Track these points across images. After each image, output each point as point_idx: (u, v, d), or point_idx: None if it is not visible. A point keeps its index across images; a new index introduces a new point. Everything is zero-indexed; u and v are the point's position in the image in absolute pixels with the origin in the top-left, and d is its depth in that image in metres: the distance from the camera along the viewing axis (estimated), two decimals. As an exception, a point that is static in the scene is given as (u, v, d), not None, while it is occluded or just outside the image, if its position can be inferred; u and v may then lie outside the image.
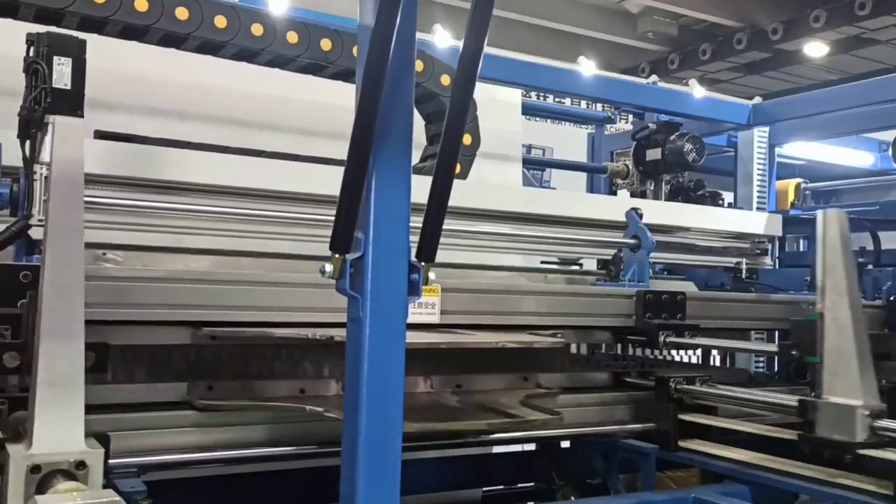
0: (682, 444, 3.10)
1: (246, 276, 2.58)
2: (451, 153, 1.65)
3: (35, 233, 2.36)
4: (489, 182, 4.00)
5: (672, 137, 4.41)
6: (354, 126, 1.51)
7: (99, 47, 3.21)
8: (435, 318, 2.82)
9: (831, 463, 2.65)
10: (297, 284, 2.53)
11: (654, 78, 13.66)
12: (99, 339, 2.26)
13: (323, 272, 1.60)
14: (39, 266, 2.17)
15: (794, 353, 2.85)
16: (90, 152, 2.58)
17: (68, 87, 2.35)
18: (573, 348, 3.25)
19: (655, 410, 3.19)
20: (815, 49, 16.44)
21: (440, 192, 1.67)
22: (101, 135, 2.82)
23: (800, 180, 5.25)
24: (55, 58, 2.34)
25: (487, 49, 1.65)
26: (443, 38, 10.78)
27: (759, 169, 4.69)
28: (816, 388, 2.71)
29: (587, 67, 11.99)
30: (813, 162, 5.56)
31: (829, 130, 4.73)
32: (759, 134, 4.60)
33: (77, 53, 2.38)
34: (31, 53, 2.37)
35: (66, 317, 1.52)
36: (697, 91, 12.70)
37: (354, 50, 2.77)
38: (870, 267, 4.00)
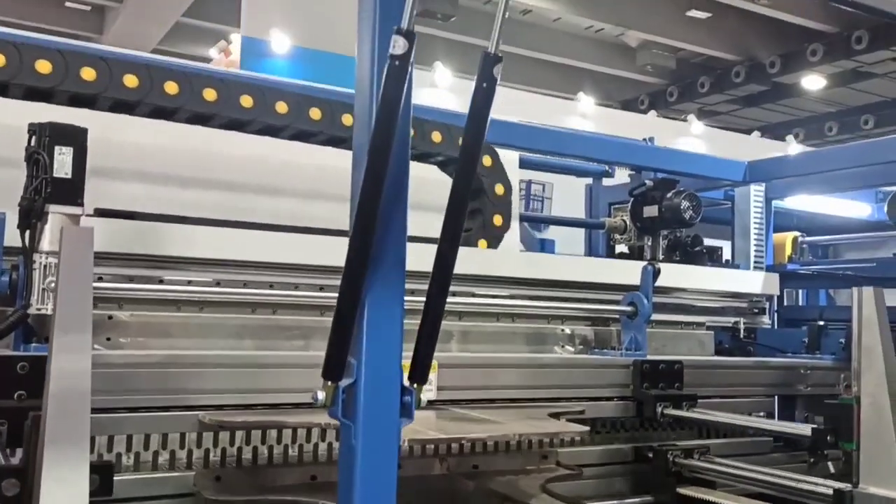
0: (681, 517, 3.08)
1: (250, 358, 2.59)
2: (445, 277, 1.66)
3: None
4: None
5: (669, 195, 4.42)
6: (348, 253, 1.52)
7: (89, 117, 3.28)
8: (432, 394, 2.83)
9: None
10: (304, 365, 2.50)
11: (652, 113, 13.74)
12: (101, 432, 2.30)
13: (315, 400, 1.61)
14: (38, 357, 2.19)
15: (829, 438, 2.73)
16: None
17: (69, 176, 2.38)
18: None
19: (654, 483, 3.18)
20: (813, 82, 16.60)
21: (433, 313, 1.68)
22: (100, 212, 2.84)
23: (797, 234, 5.27)
24: (56, 147, 2.37)
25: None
26: (443, 76, 10.92)
27: (755, 223, 4.70)
28: (853, 477, 2.58)
29: (586, 104, 12.09)
30: (810, 214, 5.58)
31: (825, 186, 4.75)
32: (756, 189, 4.62)
33: (79, 142, 2.41)
34: (33, 143, 2.40)
35: (70, 446, 1.50)
36: (695, 127, 12.78)
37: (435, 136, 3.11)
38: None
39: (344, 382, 1.61)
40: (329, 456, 2.61)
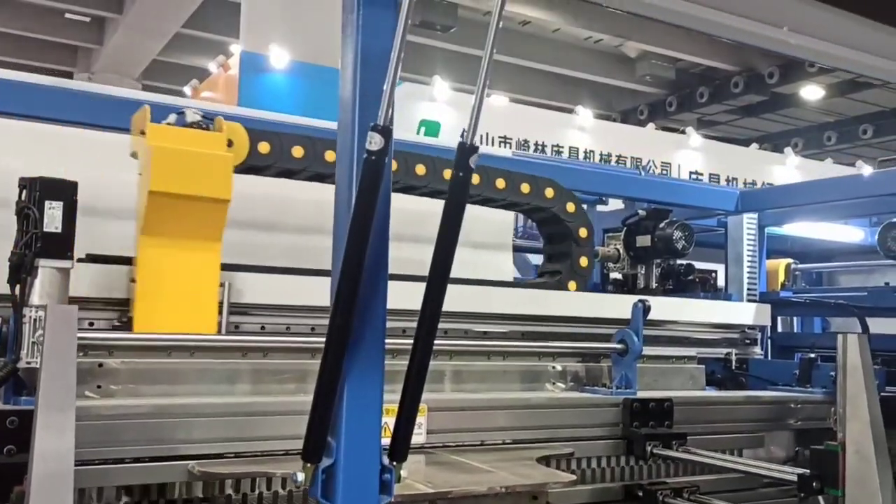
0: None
1: (237, 406, 2.60)
2: (423, 359, 1.68)
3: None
4: (481, 271, 4.04)
5: (661, 225, 4.44)
6: (327, 336, 1.54)
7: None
8: (422, 438, 2.85)
9: None
10: (293, 412, 2.52)
11: (650, 126, 13.74)
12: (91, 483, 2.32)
13: (295, 481, 1.63)
14: (27, 411, 2.21)
15: (814, 484, 2.73)
16: (80, 276, 2.65)
17: (59, 231, 2.41)
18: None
19: (643, 524, 3.20)
20: (811, 92, 16.60)
21: (412, 391, 1.70)
22: (91, 258, 2.86)
23: (790, 261, 5.29)
24: (47, 202, 2.40)
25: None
26: (441, 89, 10.94)
27: (749, 250, 4.72)
28: None
29: (584, 117, 12.10)
30: (803, 239, 5.59)
31: (818, 216, 4.77)
32: (749, 217, 4.64)
33: (68, 196, 2.43)
34: (23, 198, 2.42)
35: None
36: (694, 140, 12.79)
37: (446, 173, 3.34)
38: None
39: (323, 464, 1.63)
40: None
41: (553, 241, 4.02)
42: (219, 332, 2.90)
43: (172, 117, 2.80)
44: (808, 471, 2.86)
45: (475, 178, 3.45)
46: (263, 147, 3.12)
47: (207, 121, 2.86)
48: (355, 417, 1.61)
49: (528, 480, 2.52)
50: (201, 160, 2.73)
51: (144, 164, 2.72)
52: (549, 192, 3.77)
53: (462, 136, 1.61)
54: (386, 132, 1.50)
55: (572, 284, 3.80)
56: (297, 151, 3.21)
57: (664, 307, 3.97)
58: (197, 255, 2.76)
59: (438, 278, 1.65)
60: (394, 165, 3.32)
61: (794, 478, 2.86)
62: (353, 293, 1.52)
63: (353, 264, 1.51)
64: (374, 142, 1.49)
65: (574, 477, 2.64)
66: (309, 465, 1.62)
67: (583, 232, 3.83)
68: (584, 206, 4.03)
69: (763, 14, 3.23)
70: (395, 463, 1.69)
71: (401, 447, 1.70)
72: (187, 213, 2.70)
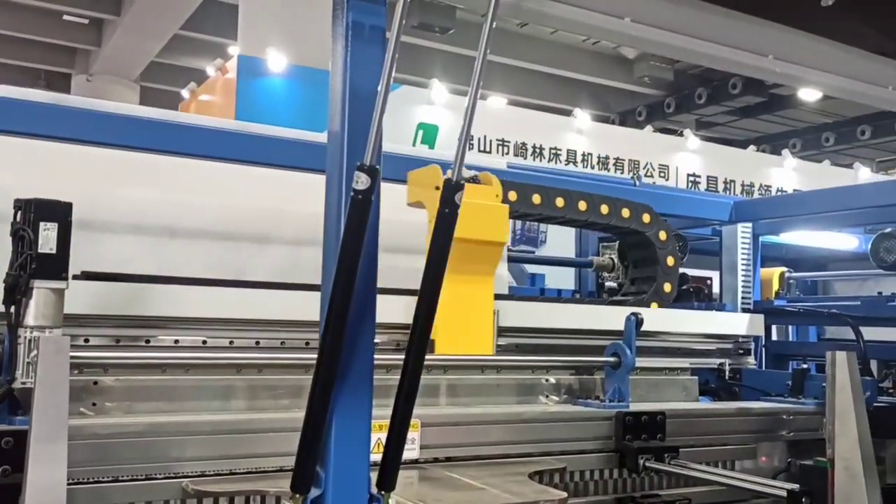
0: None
1: (231, 424, 2.62)
2: (412, 387, 1.70)
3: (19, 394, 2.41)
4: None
5: (656, 235, 4.45)
6: (316, 368, 1.56)
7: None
8: (415, 454, 2.87)
9: None
10: (287, 429, 2.53)
11: (648, 128, 13.74)
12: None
13: (284, 512, 1.65)
14: (22, 431, 2.23)
15: (804, 500, 2.75)
16: (75, 293, 2.67)
17: (53, 252, 2.42)
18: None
19: (638, 536, 3.22)
20: (809, 93, 16.59)
21: (401, 420, 1.72)
22: (87, 275, 2.88)
23: (784, 269, 5.31)
24: (41, 223, 2.41)
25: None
26: (439, 93, 10.96)
27: (743, 260, 4.74)
28: None
29: (582, 120, 12.11)
30: (798, 247, 5.61)
31: (812, 225, 4.79)
32: (743, 227, 4.66)
33: (63, 218, 2.45)
34: (18, 219, 2.44)
35: None
36: (691, 142, 12.79)
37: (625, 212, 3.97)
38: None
39: (312, 494, 1.65)
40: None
41: (637, 265, 4.32)
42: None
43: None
44: (797, 486, 2.89)
45: (582, 205, 3.91)
46: (511, 195, 3.71)
47: (475, 174, 3.57)
48: (343, 449, 1.63)
49: (520, 499, 2.54)
50: (488, 211, 3.40)
51: None
52: (626, 212, 4.10)
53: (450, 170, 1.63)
54: (372, 172, 1.52)
55: (654, 305, 4.06)
56: (536, 199, 3.84)
57: (658, 318, 3.99)
58: (480, 287, 3.39)
59: (425, 310, 1.67)
60: (560, 201, 3.74)
61: (784, 493, 2.88)
62: (340, 331, 1.54)
63: (341, 303, 1.53)
64: (361, 181, 1.51)
65: (565, 494, 2.67)
66: (298, 496, 1.64)
67: (670, 260, 4.14)
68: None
69: (748, 44, 3.27)
70: (383, 492, 1.71)
71: (389, 476, 1.72)
72: (475, 253, 3.30)
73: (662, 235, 4.08)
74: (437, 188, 3.08)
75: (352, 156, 1.58)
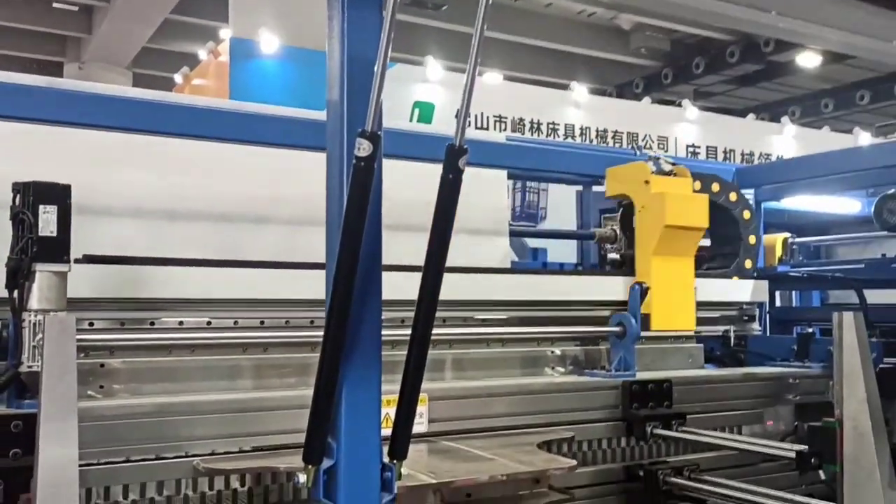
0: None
1: (239, 402, 2.62)
2: (420, 356, 1.69)
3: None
4: (477, 258, 4.04)
5: (658, 204, 4.43)
6: (324, 339, 1.55)
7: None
8: (423, 427, 2.87)
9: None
10: (295, 406, 2.53)
11: (646, 99, 13.66)
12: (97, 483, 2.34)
13: (297, 482, 1.65)
14: (31, 414, 2.23)
15: (812, 461, 2.79)
16: (78, 277, 2.66)
17: (54, 234, 2.41)
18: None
19: (646, 502, 3.23)
20: (808, 59, 16.50)
21: (410, 389, 1.71)
22: (88, 258, 2.87)
23: (787, 235, 5.29)
24: (41, 206, 2.40)
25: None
26: (434, 70, 10.88)
27: (746, 226, 4.70)
28: (838, 499, 2.67)
29: (579, 93, 12.04)
30: (800, 212, 5.59)
31: (814, 190, 4.76)
32: (745, 193, 4.63)
33: (62, 200, 2.43)
34: (17, 203, 2.42)
35: None
36: (690, 112, 12.72)
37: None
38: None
39: (325, 465, 1.64)
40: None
41: (721, 241, 4.44)
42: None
43: (651, 164, 3.82)
44: (806, 447, 2.89)
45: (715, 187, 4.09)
46: (696, 185, 3.99)
47: (670, 166, 3.85)
48: (354, 418, 1.63)
49: (529, 467, 2.55)
50: (692, 200, 3.76)
51: (653, 205, 3.70)
52: (716, 186, 4.24)
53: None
54: (374, 138, 1.50)
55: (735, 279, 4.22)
56: (715, 187, 4.12)
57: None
58: (683, 268, 3.75)
59: (432, 279, 1.65)
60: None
61: (793, 454, 2.89)
62: (347, 299, 1.53)
63: (347, 269, 1.51)
64: (363, 148, 1.49)
65: (574, 462, 2.68)
66: (310, 466, 1.64)
67: (752, 239, 4.29)
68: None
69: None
70: (395, 461, 1.71)
71: (401, 445, 1.72)
72: (680, 238, 3.69)
73: (746, 214, 4.20)
74: (647, 182, 3.68)
75: (352, 124, 1.56)
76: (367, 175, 1.51)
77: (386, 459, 1.70)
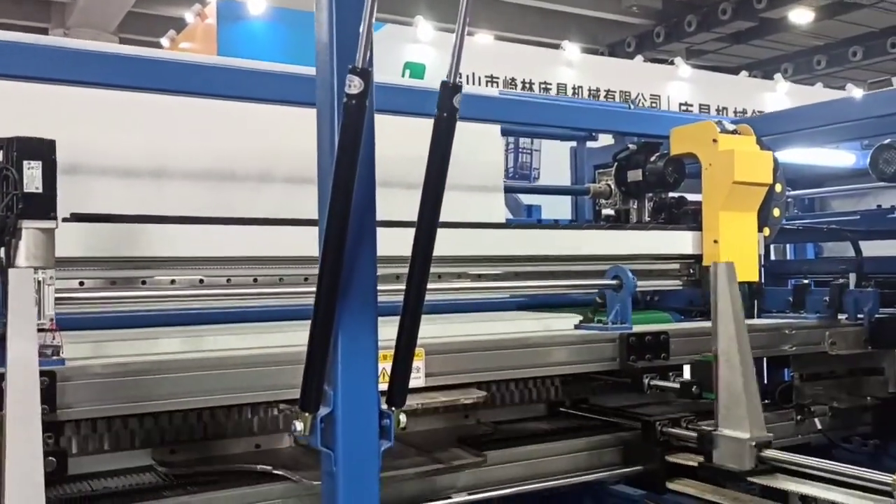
0: (670, 485, 3.16)
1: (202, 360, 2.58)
2: (417, 304, 1.66)
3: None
4: (472, 214, 4.00)
5: (652, 158, 4.39)
6: (318, 285, 1.52)
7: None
8: (420, 382, 2.86)
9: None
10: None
11: (639, 58, 13.52)
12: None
13: (294, 430, 1.62)
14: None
15: (693, 389, 3.15)
16: (67, 235, 2.61)
17: (40, 191, 2.36)
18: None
19: (643, 452, 3.25)
20: (801, 16, 16.35)
21: (408, 333, 1.68)
22: (77, 217, 2.82)
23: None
24: (25, 162, 2.34)
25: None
26: (425, 30, 10.73)
27: (741, 180, 4.67)
28: (714, 421, 3.04)
29: (571, 52, 11.91)
30: (794, 165, 5.55)
31: (809, 141, 4.72)
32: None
33: (47, 155, 2.38)
34: (1, 159, 2.36)
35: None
36: (683, 70, 12.61)
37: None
38: (851, 288, 4.03)
39: (322, 412, 1.62)
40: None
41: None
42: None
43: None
44: (689, 378, 3.25)
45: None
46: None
47: (734, 125, 4.00)
48: (351, 364, 1.60)
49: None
50: (758, 157, 3.91)
51: (721, 163, 3.83)
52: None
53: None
54: (365, 74, 1.45)
55: (766, 230, 4.14)
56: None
57: (655, 240, 3.97)
58: (748, 222, 3.92)
59: (427, 224, 1.62)
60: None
61: (678, 385, 3.22)
62: (342, 240, 1.50)
63: (340, 212, 1.48)
64: (354, 85, 1.44)
65: (483, 393, 2.89)
66: (307, 414, 1.62)
67: (778, 187, 4.19)
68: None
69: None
70: (393, 408, 1.69)
71: (399, 392, 1.70)
72: (746, 194, 3.86)
73: (778, 187, 4.23)
74: (714, 140, 3.82)
75: (342, 61, 1.51)
76: (359, 114, 1.46)
77: (384, 407, 1.68)
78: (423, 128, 3.21)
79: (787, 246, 5.54)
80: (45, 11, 16.06)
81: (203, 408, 2.55)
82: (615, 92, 11.62)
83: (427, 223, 1.63)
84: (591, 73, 11.72)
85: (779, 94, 13.20)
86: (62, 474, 2.07)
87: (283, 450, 2.83)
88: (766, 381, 4.12)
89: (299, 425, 1.63)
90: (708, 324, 3.93)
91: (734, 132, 3.99)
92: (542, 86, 11.44)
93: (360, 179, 1.49)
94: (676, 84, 12.35)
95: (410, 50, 10.52)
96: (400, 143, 3.42)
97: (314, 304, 1.55)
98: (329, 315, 1.55)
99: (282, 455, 2.75)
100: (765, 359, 3.96)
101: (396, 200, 2.72)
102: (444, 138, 1.60)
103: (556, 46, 12.00)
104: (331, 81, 1.54)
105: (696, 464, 3.11)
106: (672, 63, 12.76)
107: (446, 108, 1.57)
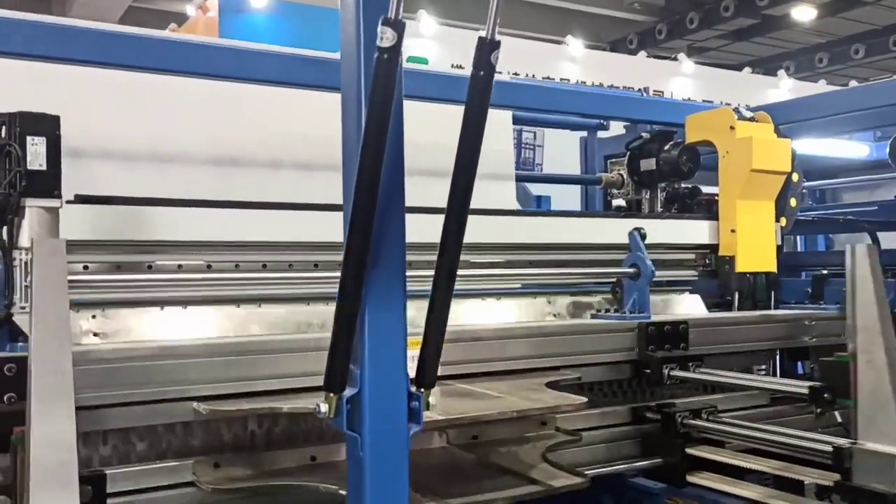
0: (691, 479, 3.07)
1: (236, 345, 2.50)
2: (449, 278, 1.56)
3: (19, 320, 2.28)
4: (483, 202, 3.91)
5: (666, 147, 4.31)
6: (344, 260, 1.43)
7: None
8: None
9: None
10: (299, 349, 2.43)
11: (642, 54, 13.47)
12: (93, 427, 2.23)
13: (318, 412, 1.53)
14: (25, 357, 2.10)
15: (826, 395, 2.73)
16: (71, 218, 2.52)
17: (44, 168, 2.27)
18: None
19: (663, 445, 3.16)
20: (803, 13, 16.29)
21: (438, 314, 1.59)
22: (81, 198, 2.72)
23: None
24: (28, 138, 2.25)
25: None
26: (428, 25, 10.64)
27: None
28: (852, 433, 2.60)
29: (574, 47, 11.82)
30: (806, 157, 5.47)
31: (821, 131, 4.63)
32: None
33: (51, 132, 2.29)
34: (4, 135, 2.27)
35: (58, 464, 1.42)
36: (686, 66, 12.53)
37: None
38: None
39: (347, 393, 1.53)
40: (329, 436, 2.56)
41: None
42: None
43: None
44: (819, 383, 2.82)
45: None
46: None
47: (750, 113, 3.94)
48: (379, 342, 1.51)
49: (541, 403, 2.45)
50: (776, 145, 3.84)
51: (739, 150, 3.78)
52: None
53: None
54: (398, 25, 1.35)
55: (782, 220, 4.09)
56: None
57: (668, 231, 3.89)
58: (766, 211, 3.86)
59: (462, 189, 1.53)
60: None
61: (806, 390, 2.82)
62: (371, 211, 1.40)
63: (370, 180, 1.38)
64: (386, 37, 1.34)
65: (584, 399, 2.57)
66: (332, 395, 1.52)
67: (795, 176, 4.12)
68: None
69: None
70: (422, 389, 1.60)
71: (429, 373, 1.60)
72: (764, 182, 3.80)
73: (795, 177, 4.17)
74: (732, 128, 3.74)
75: (370, 12, 1.40)
76: (391, 68, 1.36)
77: (413, 389, 1.58)
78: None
79: (798, 238, 5.45)
80: (46, 4, 15.95)
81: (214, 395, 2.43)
82: (618, 87, 11.53)
83: (462, 186, 1.53)
84: (595, 69, 11.62)
85: (782, 91, 13.11)
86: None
87: (342, 462, 2.48)
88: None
89: (324, 407, 1.54)
90: (725, 314, 3.90)
91: (752, 119, 3.92)
92: (547, 81, 11.36)
93: (389, 144, 1.40)
94: (680, 80, 12.26)
95: (413, 44, 10.43)
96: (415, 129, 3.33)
97: (341, 278, 1.46)
98: (357, 289, 1.46)
99: (341, 469, 2.54)
100: (778, 353, 3.86)
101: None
102: (481, 98, 1.51)
103: (559, 43, 11.91)
104: (357, 33, 1.43)
105: (719, 458, 3.00)
106: (675, 59, 12.68)
107: (483, 65, 1.48)
